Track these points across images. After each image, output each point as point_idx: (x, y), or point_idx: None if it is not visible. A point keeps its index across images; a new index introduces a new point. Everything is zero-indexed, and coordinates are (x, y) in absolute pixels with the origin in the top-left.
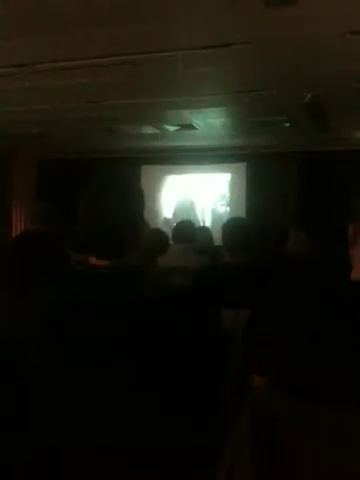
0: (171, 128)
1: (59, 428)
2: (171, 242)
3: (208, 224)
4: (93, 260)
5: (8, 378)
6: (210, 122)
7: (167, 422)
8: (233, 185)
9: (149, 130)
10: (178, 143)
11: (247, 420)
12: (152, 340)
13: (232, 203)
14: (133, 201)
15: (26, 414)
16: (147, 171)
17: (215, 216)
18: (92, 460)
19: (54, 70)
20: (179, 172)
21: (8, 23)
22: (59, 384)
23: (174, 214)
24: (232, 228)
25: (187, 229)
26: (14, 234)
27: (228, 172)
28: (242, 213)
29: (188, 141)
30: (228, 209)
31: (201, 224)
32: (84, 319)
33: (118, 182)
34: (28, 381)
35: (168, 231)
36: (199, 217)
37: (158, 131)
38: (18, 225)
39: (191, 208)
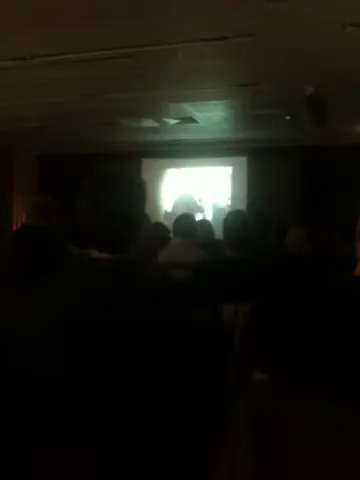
0: (171, 121)
1: (62, 420)
2: (171, 236)
3: (209, 218)
4: (94, 253)
5: (8, 372)
6: (210, 115)
7: (167, 417)
8: (234, 179)
9: (149, 124)
10: (178, 137)
11: (247, 415)
12: (152, 334)
13: (233, 197)
14: (134, 195)
15: (30, 407)
16: (147, 165)
17: (216, 210)
18: (91, 454)
19: (53, 64)
20: (179, 166)
21: (6, 16)
22: (61, 377)
23: (174, 208)
24: (233, 222)
25: (187, 223)
26: (15, 228)
27: (229, 166)
28: (243, 207)
29: (188, 135)
30: (229, 203)
31: (202, 218)
32: (85, 312)
33: (118, 176)
34: (30, 374)
35: (169, 225)
36: (199, 211)
37: (158, 124)
38: (19, 219)
39: (191, 202)
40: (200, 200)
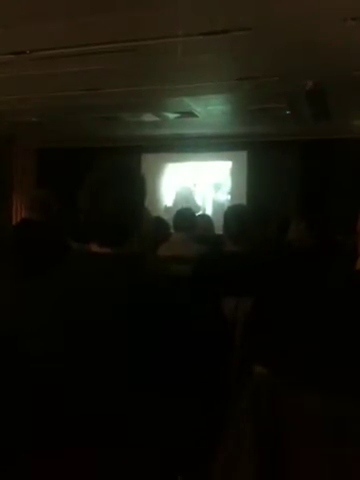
0: (171, 116)
1: (61, 415)
2: (172, 230)
3: (209, 212)
4: (94, 248)
5: (8, 366)
6: (210, 109)
7: (167, 409)
8: (234, 173)
9: (149, 118)
10: (178, 131)
11: (248, 406)
12: (153, 329)
13: (233, 191)
14: (134, 189)
15: (29, 403)
16: (147, 159)
17: (216, 204)
18: (91, 450)
19: (53, 57)
20: (179, 160)
21: (7, 10)
22: (61, 371)
23: (174, 202)
24: (233, 216)
25: (187, 217)
26: (14, 222)
27: (229, 160)
28: (243, 201)
29: (188, 129)
30: (229, 197)
31: (202, 212)
32: (84, 307)
33: (118, 170)
34: (30, 368)
35: (169, 219)
36: (199, 205)
37: (158, 119)
38: (18, 214)
39: (191, 196)
40: (200, 196)
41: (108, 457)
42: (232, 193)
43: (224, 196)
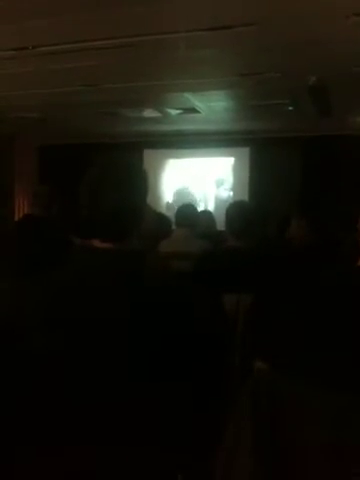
0: (173, 112)
1: (62, 409)
2: (173, 226)
3: (211, 208)
4: (96, 243)
5: (10, 361)
6: (213, 106)
7: (167, 407)
8: (236, 169)
9: (151, 114)
10: (181, 127)
11: (249, 403)
12: (154, 325)
13: (235, 188)
14: (136, 185)
15: (29, 400)
16: (149, 155)
17: (218, 201)
18: (90, 449)
19: (54, 53)
20: (182, 156)
21: (7, 6)
22: (62, 365)
23: (176, 199)
24: (235, 212)
25: (189, 213)
26: (17, 218)
27: (231, 156)
28: (245, 198)
29: (191, 125)
30: (231, 194)
31: (204, 208)
32: (86, 302)
33: (120, 166)
34: (32, 362)
35: (171, 215)
36: (201, 202)
37: (160, 115)
38: (21, 209)
39: (193, 193)
40: (202, 192)
41: (108, 456)
42: (234, 189)
43: (226, 192)
